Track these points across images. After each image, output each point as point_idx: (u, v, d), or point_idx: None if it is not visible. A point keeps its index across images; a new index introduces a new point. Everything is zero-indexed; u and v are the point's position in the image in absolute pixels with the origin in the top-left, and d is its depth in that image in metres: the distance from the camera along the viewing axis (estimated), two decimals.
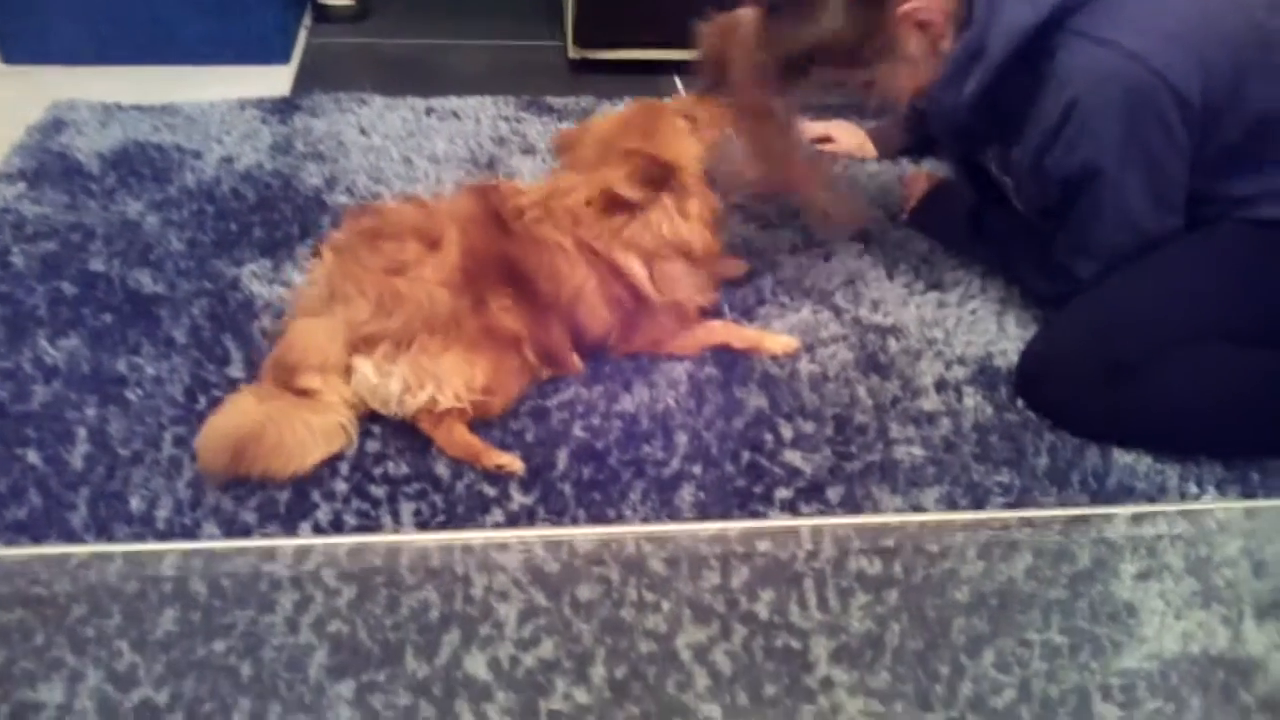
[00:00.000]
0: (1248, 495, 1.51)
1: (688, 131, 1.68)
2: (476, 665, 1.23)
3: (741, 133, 1.76)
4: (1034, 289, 1.82)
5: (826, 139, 2.35)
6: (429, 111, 2.44)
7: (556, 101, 2.53)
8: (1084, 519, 1.45)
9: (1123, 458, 1.55)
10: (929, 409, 1.63)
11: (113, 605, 1.26)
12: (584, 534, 1.39)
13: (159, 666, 1.20)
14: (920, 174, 2.18)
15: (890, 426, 1.59)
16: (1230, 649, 1.30)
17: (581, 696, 1.21)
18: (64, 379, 1.58)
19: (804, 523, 1.43)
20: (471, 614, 1.28)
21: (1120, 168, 1.54)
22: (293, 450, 1.41)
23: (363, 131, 2.34)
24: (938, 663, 1.27)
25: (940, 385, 1.67)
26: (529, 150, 2.29)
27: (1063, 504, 1.48)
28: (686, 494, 1.45)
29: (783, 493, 1.47)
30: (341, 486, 1.43)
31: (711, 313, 1.79)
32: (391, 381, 1.48)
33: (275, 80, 2.63)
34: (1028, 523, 1.44)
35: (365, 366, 1.48)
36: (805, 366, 1.69)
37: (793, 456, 1.53)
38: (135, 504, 1.39)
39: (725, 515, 1.43)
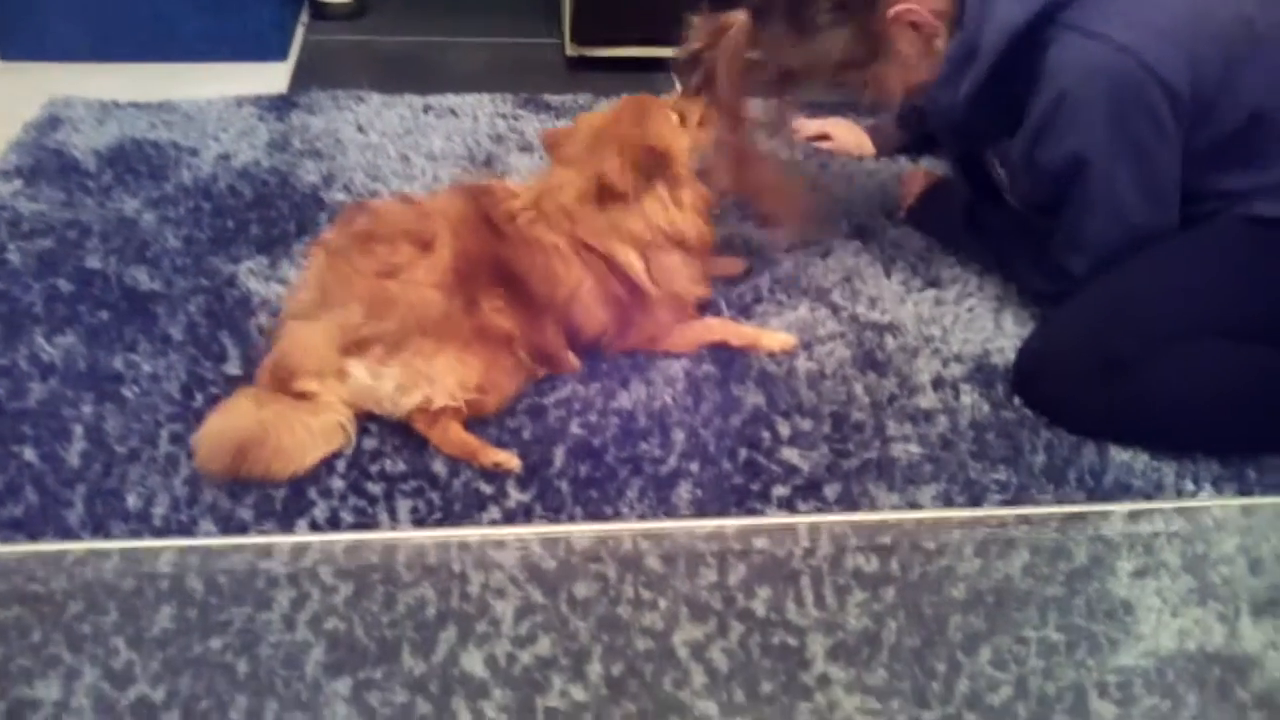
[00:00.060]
0: (1244, 493, 1.51)
1: (678, 124, 1.69)
2: (473, 662, 1.23)
3: (718, 133, 1.77)
4: (1030, 287, 1.83)
5: (824, 136, 2.35)
6: (426, 109, 2.44)
7: (554, 99, 2.53)
8: (1081, 516, 1.45)
9: (1119, 455, 1.55)
10: (926, 406, 1.63)
11: (109, 602, 1.26)
12: (581, 530, 1.39)
13: (155, 664, 1.20)
14: (918, 172, 2.18)
15: (887, 424, 1.59)
16: (1227, 646, 1.30)
17: (578, 694, 1.21)
18: (60, 376, 1.58)
19: (801, 520, 1.43)
20: (468, 611, 1.28)
21: (1109, 160, 1.55)
22: (292, 452, 1.41)
23: (360, 129, 2.34)
24: (934, 660, 1.27)
25: (937, 383, 1.67)
26: (526, 148, 2.29)
27: (1060, 501, 1.48)
28: (684, 491, 1.45)
29: (780, 490, 1.47)
30: (338, 484, 1.43)
31: (708, 309, 1.79)
32: (385, 383, 1.47)
33: (272, 77, 2.63)
34: (1024, 520, 1.44)
35: (359, 369, 1.48)
36: (802, 364, 1.69)
37: (790, 454, 1.53)
38: (132, 501, 1.39)
39: (722, 513, 1.43)
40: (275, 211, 2.03)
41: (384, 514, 1.39)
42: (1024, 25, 1.54)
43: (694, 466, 1.49)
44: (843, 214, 2.10)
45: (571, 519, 1.41)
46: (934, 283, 1.91)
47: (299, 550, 1.33)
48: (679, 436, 1.54)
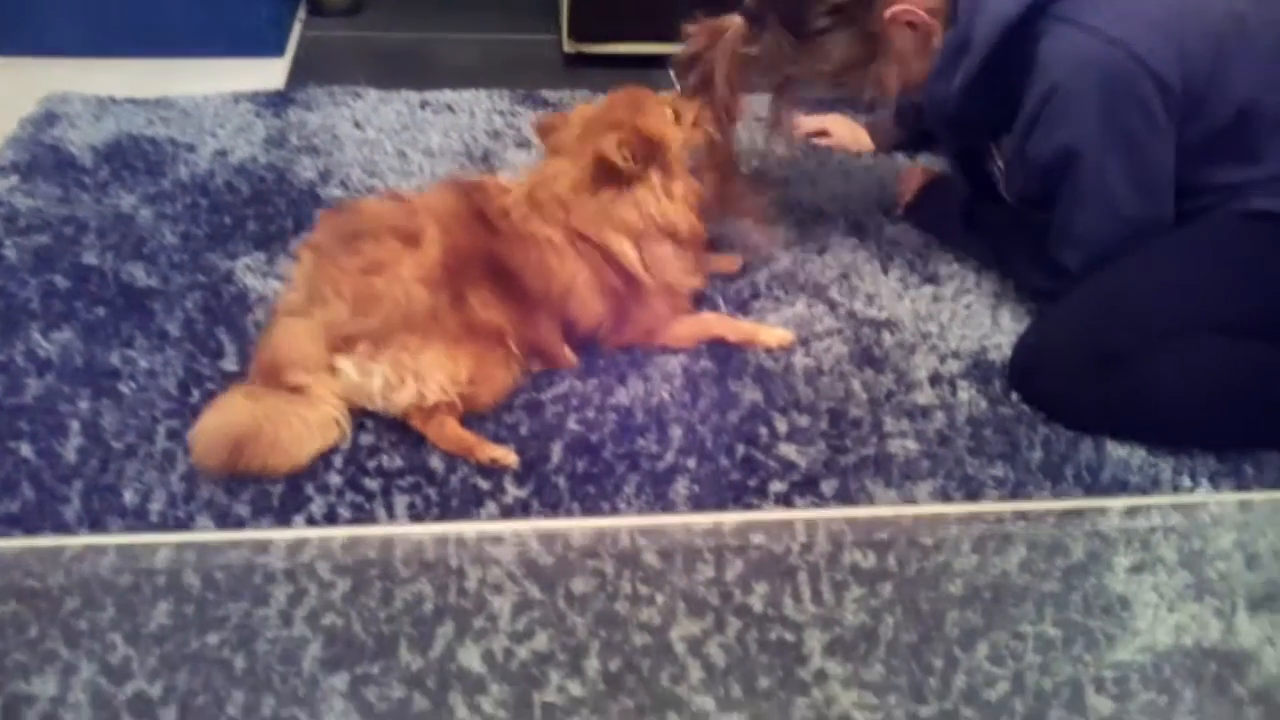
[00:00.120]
0: (1241, 488, 1.51)
1: (671, 119, 1.70)
2: (470, 658, 1.23)
3: (710, 134, 1.78)
4: (1028, 283, 1.83)
5: (823, 133, 2.35)
6: (423, 105, 2.44)
7: (551, 95, 2.53)
8: (1078, 512, 1.46)
9: (1116, 451, 1.55)
10: (923, 403, 1.63)
11: (106, 598, 1.26)
12: (578, 525, 1.39)
13: (153, 659, 1.20)
14: (916, 168, 2.18)
15: (884, 420, 1.59)
16: (1223, 641, 1.30)
17: (575, 689, 1.21)
18: (57, 372, 1.58)
19: (798, 515, 1.43)
20: (465, 607, 1.28)
21: (1099, 152, 1.55)
22: (289, 446, 1.41)
23: (357, 125, 2.34)
24: (932, 655, 1.27)
25: (934, 379, 1.67)
26: (524, 144, 2.29)
27: (1057, 497, 1.48)
28: (681, 487, 1.45)
29: (777, 486, 1.47)
30: (335, 479, 1.43)
31: (706, 305, 1.79)
32: (373, 379, 1.47)
33: (269, 73, 2.63)
34: (1021, 515, 1.44)
35: (347, 365, 1.48)
36: (800, 360, 1.69)
37: (787, 450, 1.53)
38: (129, 497, 1.39)
39: (719, 508, 1.43)
40: (272, 208, 2.02)
41: (381, 510, 1.39)
42: (1016, 17, 1.55)
43: (691, 462, 1.49)
44: (840, 211, 2.10)
45: (569, 515, 1.41)
46: (931, 279, 1.91)
47: (296, 546, 1.33)
48: (676, 432, 1.54)
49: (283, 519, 1.37)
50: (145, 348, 1.63)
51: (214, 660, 1.20)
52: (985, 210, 1.93)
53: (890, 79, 1.72)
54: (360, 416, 1.51)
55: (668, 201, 1.65)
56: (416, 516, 1.39)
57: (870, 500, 1.46)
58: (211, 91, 2.44)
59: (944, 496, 1.47)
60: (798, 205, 2.12)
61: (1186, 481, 1.51)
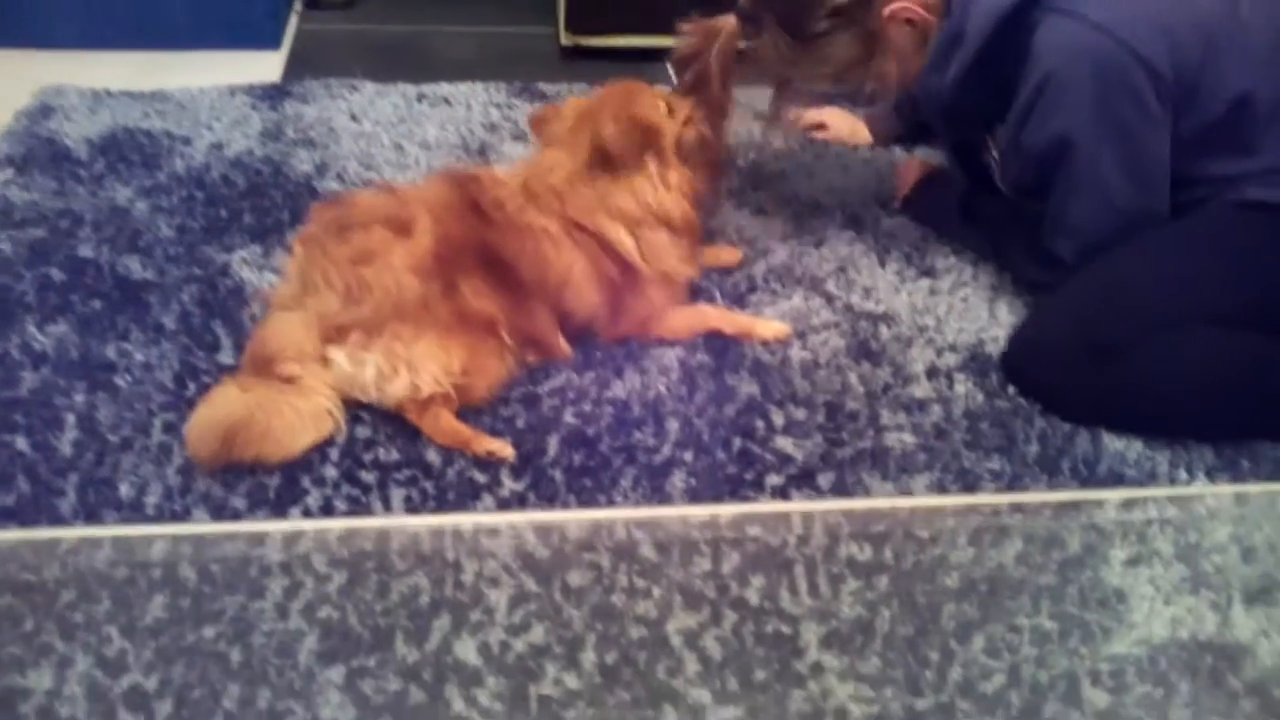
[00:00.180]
0: (1237, 481, 1.51)
1: (665, 110, 1.70)
2: (467, 650, 1.23)
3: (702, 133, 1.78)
4: (1024, 276, 1.83)
5: (820, 125, 2.35)
6: (420, 98, 2.43)
7: (548, 88, 2.52)
8: (1074, 504, 1.46)
9: (1113, 444, 1.55)
10: (920, 396, 1.63)
11: (102, 590, 1.25)
12: (574, 517, 1.39)
13: (148, 652, 1.20)
14: (913, 161, 2.18)
15: (881, 413, 1.59)
16: (1219, 635, 1.31)
17: (572, 682, 1.21)
18: (52, 365, 1.58)
19: (794, 507, 1.43)
20: (462, 599, 1.28)
21: (1093, 141, 1.55)
22: (282, 435, 1.41)
23: (354, 118, 2.33)
24: (928, 648, 1.27)
25: (931, 372, 1.67)
26: (520, 137, 2.28)
27: (1053, 490, 1.48)
28: (678, 480, 1.45)
29: (774, 479, 1.47)
30: (331, 473, 1.43)
31: (703, 298, 1.79)
32: (366, 369, 1.47)
33: (266, 66, 2.62)
34: (1018, 508, 1.44)
35: (339, 356, 1.47)
36: (797, 353, 1.69)
37: (784, 443, 1.53)
38: (124, 490, 1.38)
39: (716, 502, 1.43)
40: (268, 201, 2.02)
41: (377, 503, 1.39)
42: (1010, 8, 1.55)
43: (688, 456, 1.49)
44: (837, 203, 2.10)
45: (565, 508, 1.41)
46: (928, 272, 1.91)
47: (292, 538, 1.33)
48: (673, 426, 1.54)
49: (279, 512, 1.37)
50: (141, 341, 1.63)
51: (210, 653, 1.20)
52: (982, 202, 1.93)
53: (890, 76, 1.73)
54: (356, 409, 1.50)
55: (664, 190, 1.66)
56: (413, 509, 1.39)
57: (867, 493, 1.46)
58: (207, 84, 2.43)
59: (940, 490, 1.47)
60: (795, 198, 2.12)
61: (1183, 475, 1.51)
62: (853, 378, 1.65)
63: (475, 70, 2.60)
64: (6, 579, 1.26)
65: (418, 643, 1.23)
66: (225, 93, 2.41)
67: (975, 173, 2.01)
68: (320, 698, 1.17)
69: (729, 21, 1.71)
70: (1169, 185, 1.60)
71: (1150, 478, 1.51)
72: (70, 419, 1.48)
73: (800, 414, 1.58)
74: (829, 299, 1.83)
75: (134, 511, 1.35)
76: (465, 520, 1.37)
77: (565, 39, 2.75)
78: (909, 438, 1.55)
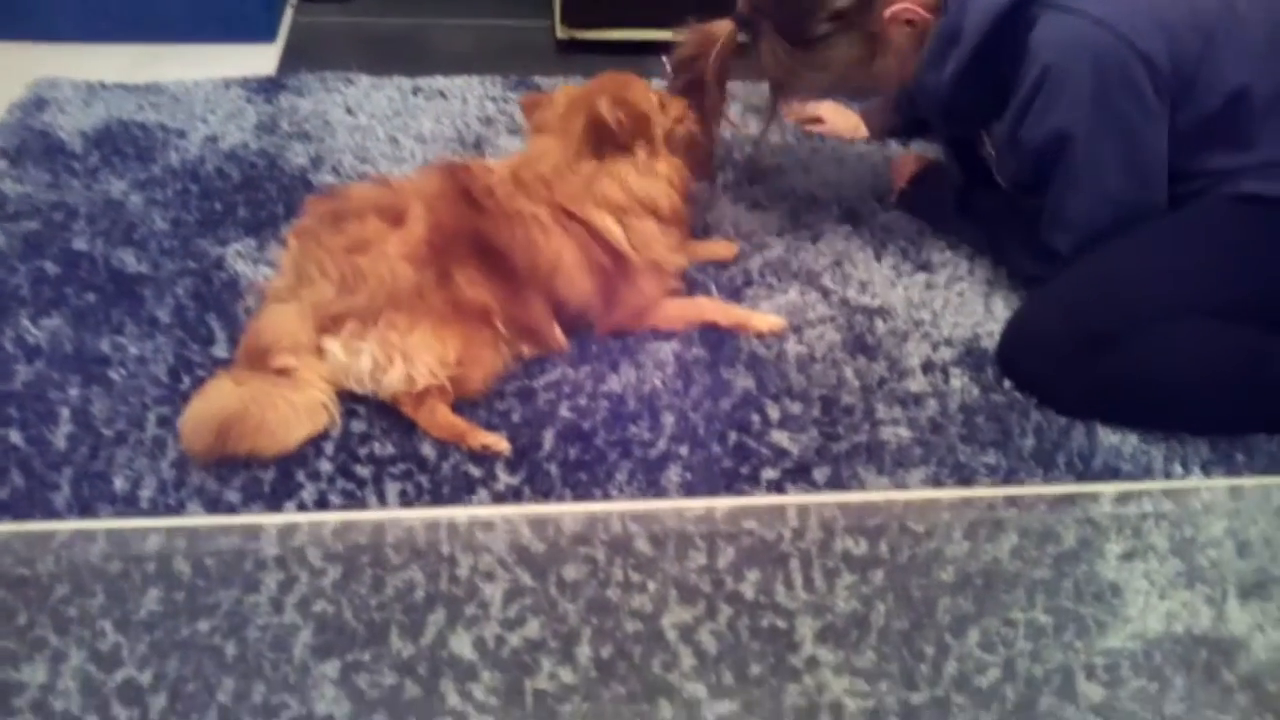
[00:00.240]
0: (1233, 476, 1.51)
1: (656, 104, 1.71)
2: (462, 645, 1.23)
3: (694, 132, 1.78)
4: (1021, 270, 1.82)
5: (818, 120, 2.34)
6: (415, 91, 2.42)
7: (544, 82, 2.51)
8: (1069, 498, 1.46)
9: (1108, 438, 1.55)
10: (916, 390, 1.63)
11: (96, 584, 1.25)
12: (569, 510, 1.38)
13: (142, 646, 1.20)
14: (909, 155, 2.17)
15: (877, 407, 1.59)
16: (1214, 629, 1.31)
17: (567, 676, 1.21)
18: (47, 358, 1.57)
19: (790, 500, 1.43)
20: (457, 594, 1.28)
21: (1092, 135, 1.55)
22: (276, 428, 1.41)
23: (349, 111, 2.32)
24: (923, 642, 1.27)
25: (927, 366, 1.67)
26: (516, 130, 2.28)
27: (1048, 484, 1.48)
28: (673, 474, 1.45)
29: (769, 473, 1.47)
30: (326, 466, 1.42)
31: (699, 292, 1.79)
32: (361, 359, 1.47)
33: (261, 59, 2.61)
34: (1013, 501, 1.44)
35: (334, 346, 1.47)
36: (792, 347, 1.69)
37: (779, 437, 1.53)
38: (119, 484, 1.38)
39: (712, 496, 1.43)
40: (263, 194, 2.01)
41: (373, 497, 1.39)
42: (1007, 5, 1.56)
43: (683, 450, 1.49)
44: (834, 198, 2.10)
45: (561, 502, 1.40)
46: (924, 267, 1.91)
47: (286, 531, 1.33)
48: (669, 420, 1.54)
49: (273, 506, 1.37)
50: (135, 334, 1.63)
51: (204, 647, 1.20)
52: (978, 197, 1.93)
53: (891, 76, 1.73)
54: (351, 403, 1.50)
55: (651, 178, 1.66)
56: (408, 504, 1.39)
57: (862, 487, 1.46)
58: (202, 77, 2.42)
59: (936, 484, 1.47)
60: (791, 192, 2.11)
61: (1178, 469, 1.51)
62: (848, 372, 1.65)
63: (471, 63, 2.59)
64: (0, 573, 1.26)
65: (413, 637, 1.23)
66: (220, 86, 2.40)
67: (972, 167, 2.01)
68: (315, 692, 1.17)
69: (725, 27, 1.71)
70: (1166, 179, 1.60)
71: (1145, 471, 1.51)
72: (64, 412, 1.48)
73: (796, 408, 1.58)
74: (825, 293, 1.82)
75: (128, 505, 1.35)
76: (460, 513, 1.37)
77: (561, 32, 2.74)
78: (904, 432, 1.55)
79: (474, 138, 2.25)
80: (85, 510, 1.34)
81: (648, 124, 1.66)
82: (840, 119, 2.34)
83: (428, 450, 1.46)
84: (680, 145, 1.75)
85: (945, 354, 1.70)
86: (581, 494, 1.41)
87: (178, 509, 1.35)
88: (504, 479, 1.43)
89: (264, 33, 2.73)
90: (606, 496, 1.41)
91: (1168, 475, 1.50)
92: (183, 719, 1.14)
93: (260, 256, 1.82)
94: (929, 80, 1.69)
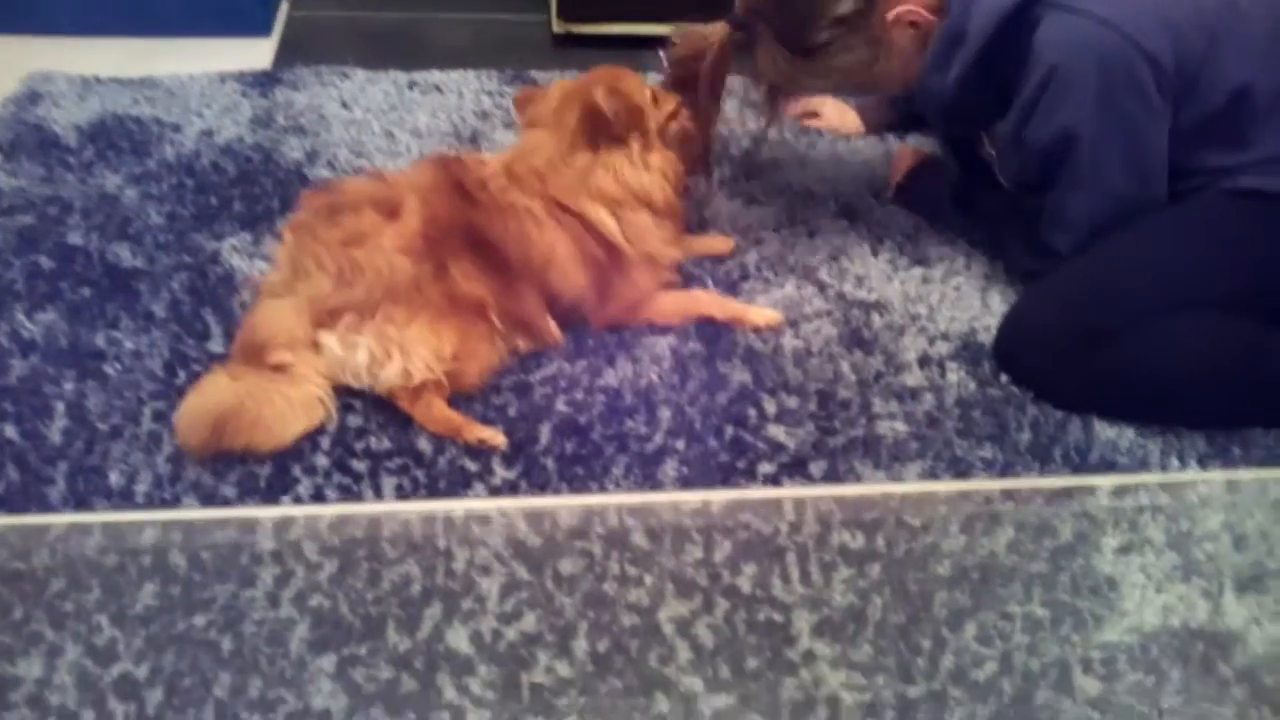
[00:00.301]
0: (1229, 469, 1.51)
1: (650, 98, 1.71)
2: (458, 639, 1.23)
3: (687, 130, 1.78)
4: (1018, 266, 1.82)
5: (813, 114, 2.34)
6: (411, 85, 2.42)
7: (540, 76, 2.50)
8: (1066, 492, 1.46)
9: (1105, 432, 1.55)
10: (912, 384, 1.62)
11: (92, 578, 1.25)
12: (565, 503, 1.38)
13: (138, 640, 1.20)
14: (906, 150, 2.17)
15: (873, 402, 1.59)
16: (1210, 622, 1.31)
17: (564, 670, 1.21)
18: (42, 353, 1.57)
19: (786, 493, 1.42)
20: (453, 588, 1.28)
21: (1097, 136, 1.55)
22: (272, 423, 1.41)
23: (344, 105, 2.32)
24: (920, 636, 1.27)
25: (924, 361, 1.67)
26: (512, 124, 2.27)
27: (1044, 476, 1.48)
28: (670, 469, 1.45)
29: (766, 467, 1.47)
30: (322, 461, 1.42)
31: (694, 284, 1.79)
32: (358, 353, 1.47)
33: (256, 53, 2.60)
34: (1010, 494, 1.44)
35: (330, 340, 1.47)
36: (789, 342, 1.69)
37: (776, 431, 1.53)
38: (114, 479, 1.38)
39: (708, 490, 1.43)
40: (259, 188, 2.01)
41: (369, 491, 1.39)
42: (1012, 7, 1.54)
43: (680, 444, 1.49)
44: (830, 192, 2.10)
45: (557, 495, 1.40)
46: (921, 261, 1.90)
47: (282, 524, 1.33)
48: (665, 414, 1.53)
49: (270, 501, 1.36)
50: (131, 329, 1.62)
51: (200, 641, 1.20)
52: (976, 192, 1.92)
53: (894, 79, 1.72)
54: (347, 397, 1.50)
55: (644, 171, 1.66)
56: (404, 498, 1.38)
57: (859, 482, 1.46)
58: (197, 71, 2.42)
59: (932, 478, 1.47)
60: (787, 187, 2.11)
61: (1175, 462, 1.51)
62: (845, 366, 1.65)
63: (467, 57, 2.58)
64: None
65: (409, 631, 1.23)
66: (215, 80, 2.39)
67: (969, 162, 2.01)
68: (311, 686, 1.17)
69: (721, 30, 1.69)
70: (1166, 176, 1.59)
71: (1142, 465, 1.51)
72: (60, 407, 1.47)
73: (792, 402, 1.58)
74: (821, 287, 1.82)
75: (124, 500, 1.35)
76: (457, 506, 1.37)
77: (557, 26, 2.73)
78: (901, 426, 1.55)
79: (470, 132, 2.25)
80: (80, 505, 1.34)
81: (642, 116, 1.66)
82: (837, 113, 2.33)
83: (424, 445, 1.46)
84: (674, 141, 1.75)
85: (942, 348, 1.70)
86: (578, 488, 1.41)
87: (173, 504, 1.35)
88: (500, 473, 1.43)
89: (259, 27, 2.72)
90: (603, 491, 1.41)
91: (1164, 469, 1.50)
92: (179, 713, 1.14)
93: (256, 251, 1.82)
94: (933, 84, 1.68)
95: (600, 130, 1.63)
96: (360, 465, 1.42)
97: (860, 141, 2.30)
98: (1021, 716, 1.20)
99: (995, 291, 1.83)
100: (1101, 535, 1.40)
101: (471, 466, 1.43)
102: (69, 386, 1.51)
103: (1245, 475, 1.50)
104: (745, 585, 1.31)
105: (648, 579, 1.30)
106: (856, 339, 1.71)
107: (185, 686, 1.16)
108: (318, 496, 1.37)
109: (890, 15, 1.62)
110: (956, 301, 1.80)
